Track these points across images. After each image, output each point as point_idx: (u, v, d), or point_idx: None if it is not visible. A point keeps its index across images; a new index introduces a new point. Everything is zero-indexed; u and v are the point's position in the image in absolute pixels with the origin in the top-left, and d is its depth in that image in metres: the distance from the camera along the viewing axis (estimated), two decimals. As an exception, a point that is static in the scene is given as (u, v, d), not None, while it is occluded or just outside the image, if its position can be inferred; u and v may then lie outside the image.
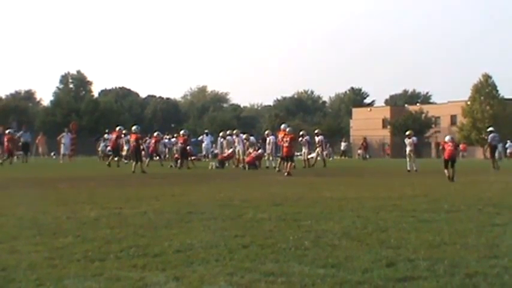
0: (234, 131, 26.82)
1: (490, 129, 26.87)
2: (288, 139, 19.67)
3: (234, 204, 9.56)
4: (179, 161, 24.73)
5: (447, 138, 17.55)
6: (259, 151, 25.20)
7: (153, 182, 15.83)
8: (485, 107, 62.22)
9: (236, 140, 25.76)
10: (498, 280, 4.50)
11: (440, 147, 18.59)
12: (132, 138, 21.28)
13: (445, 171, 16.31)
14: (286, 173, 18.77)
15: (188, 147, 29.22)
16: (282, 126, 21.80)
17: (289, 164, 19.19)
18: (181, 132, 26.53)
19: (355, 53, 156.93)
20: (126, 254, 5.36)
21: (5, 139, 26.87)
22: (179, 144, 25.75)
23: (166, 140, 34.24)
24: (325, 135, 32.73)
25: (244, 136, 25.99)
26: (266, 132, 27.17)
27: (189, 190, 12.59)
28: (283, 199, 10.35)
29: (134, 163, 20.36)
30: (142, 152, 23.63)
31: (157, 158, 28.40)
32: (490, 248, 5.70)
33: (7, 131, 27.99)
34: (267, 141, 25.35)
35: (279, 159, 21.91)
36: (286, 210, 8.59)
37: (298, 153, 29.25)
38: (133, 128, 21.67)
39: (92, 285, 4.34)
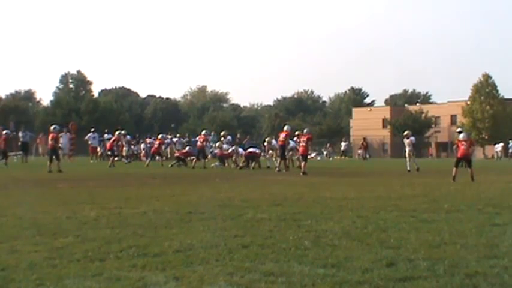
0: (233, 148, 26.66)
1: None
2: (305, 139, 20.87)
3: (234, 204, 9.56)
4: (204, 161, 24.86)
5: (461, 136, 17.14)
6: (257, 151, 25.28)
7: (153, 182, 15.83)
8: (485, 107, 62.19)
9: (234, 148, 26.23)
10: (498, 280, 4.50)
11: (454, 147, 18.16)
12: (50, 137, 21.15)
13: (454, 169, 15.83)
14: (301, 173, 19.34)
15: (188, 147, 29.35)
16: (285, 127, 22.59)
17: (303, 163, 20.04)
18: (203, 132, 26.75)
19: (355, 53, 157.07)
20: (126, 254, 5.36)
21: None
22: (198, 143, 25.94)
23: (168, 140, 34.29)
24: (325, 136, 33.42)
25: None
26: (267, 139, 28.61)
27: (189, 190, 12.59)
28: (283, 199, 10.35)
29: (49, 162, 20.15)
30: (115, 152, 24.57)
31: (159, 158, 28.49)
32: (490, 248, 5.70)
33: (4, 132, 27.74)
34: (271, 145, 26.84)
35: (279, 159, 22.17)
36: (286, 210, 8.58)
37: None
38: (52, 127, 21.49)
39: (92, 285, 4.34)
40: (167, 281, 4.45)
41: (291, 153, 23.68)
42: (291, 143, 24.06)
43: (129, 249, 5.57)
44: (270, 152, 28.32)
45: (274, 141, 27.08)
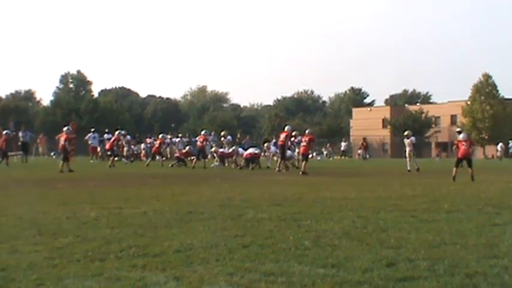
0: (233, 147, 26.63)
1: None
2: (306, 139, 21.24)
3: (234, 204, 9.56)
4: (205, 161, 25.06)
5: (461, 136, 17.29)
6: (257, 152, 25.31)
7: (153, 182, 15.83)
8: (485, 106, 62.20)
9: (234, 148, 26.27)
10: (498, 280, 4.49)
11: (454, 147, 18.26)
12: (63, 138, 21.18)
13: (454, 169, 15.95)
14: (301, 172, 19.60)
15: (188, 147, 29.36)
16: (286, 127, 22.67)
17: (304, 163, 20.32)
18: (203, 132, 26.87)
19: (355, 53, 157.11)
20: (126, 254, 5.36)
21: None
22: (198, 143, 26.06)
23: (168, 140, 34.29)
24: (325, 136, 33.77)
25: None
26: (266, 144, 29.02)
27: (189, 190, 12.58)
28: (283, 199, 10.35)
29: (62, 162, 20.17)
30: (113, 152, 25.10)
31: (159, 158, 28.53)
32: (490, 248, 5.70)
33: (4, 132, 27.58)
34: (269, 150, 27.34)
35: (279, 160, 22.22)
36: (286, 210, 8.58)
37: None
38: (65, 128, 21.51)
39: (92, 285, 4.34)
40: (167, 281, 4.45)
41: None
42: (289, 152, 23.89)
43: (129, 249, 5.57)
44: (269, 153, 28.33)
45: (272, 147, 26.85)
